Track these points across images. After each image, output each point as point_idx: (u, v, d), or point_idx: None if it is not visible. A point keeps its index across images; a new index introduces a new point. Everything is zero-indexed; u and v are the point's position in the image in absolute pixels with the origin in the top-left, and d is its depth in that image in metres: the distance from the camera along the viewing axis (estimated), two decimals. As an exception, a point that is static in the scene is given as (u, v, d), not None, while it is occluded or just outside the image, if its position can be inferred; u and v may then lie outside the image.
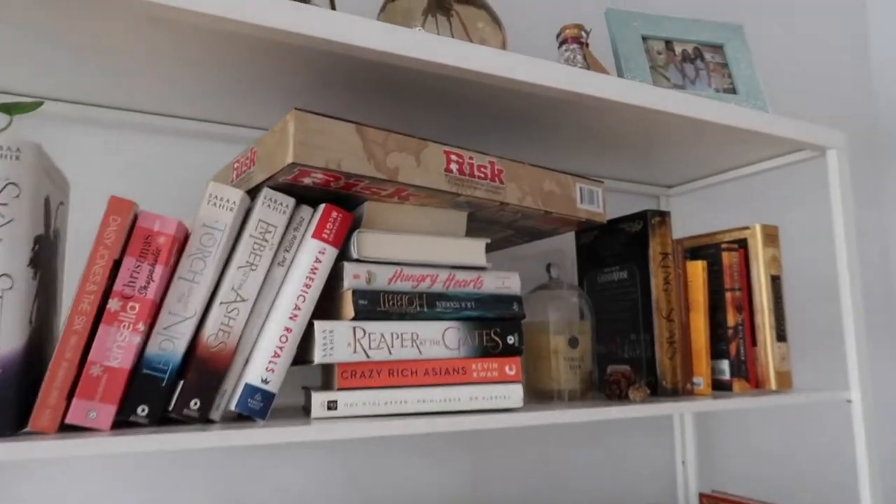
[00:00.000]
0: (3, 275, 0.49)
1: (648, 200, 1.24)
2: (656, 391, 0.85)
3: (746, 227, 0.94)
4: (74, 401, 0.51)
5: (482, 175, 0.67)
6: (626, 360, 0.89)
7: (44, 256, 0.54)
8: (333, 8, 0.69)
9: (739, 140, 0.93)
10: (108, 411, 0.52)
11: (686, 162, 1.05)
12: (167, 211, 0.81)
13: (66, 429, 0.53)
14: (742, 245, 0.94)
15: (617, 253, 0.92)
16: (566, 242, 1.11)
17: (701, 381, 0.87)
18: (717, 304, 0.92)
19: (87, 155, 0.80)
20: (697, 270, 0.89)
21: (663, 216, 0.87)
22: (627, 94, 0.75)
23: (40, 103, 0.52)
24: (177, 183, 0.84)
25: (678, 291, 0.87)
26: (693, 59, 0.95)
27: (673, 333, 0.85)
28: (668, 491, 1.20)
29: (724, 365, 0.91)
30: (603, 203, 0.77)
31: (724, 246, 0.92)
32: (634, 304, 0.88)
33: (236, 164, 0.67)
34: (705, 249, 0.94)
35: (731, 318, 0.91)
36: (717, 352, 0.92)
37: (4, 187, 0.49)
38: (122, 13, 0.56)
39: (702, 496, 1.14)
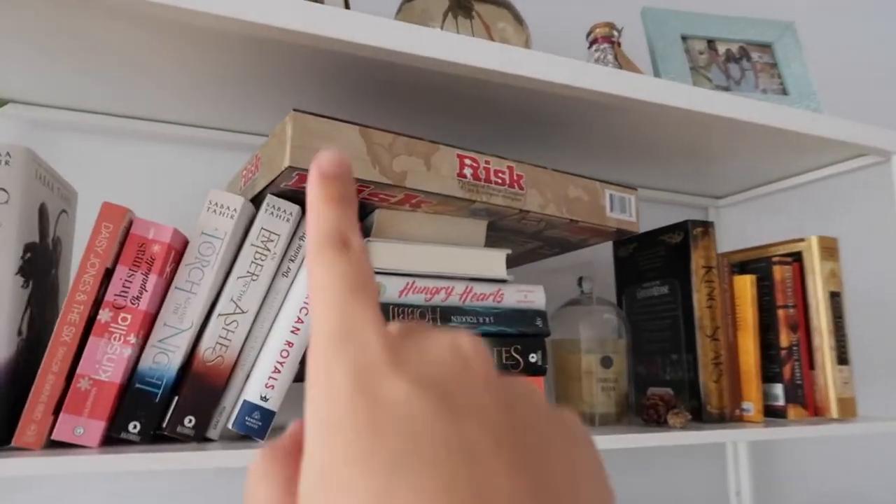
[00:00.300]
0: (-11, 283, 0.47)
1: (696, 212, 1.17)
2: (701, 416, 0.78)
3: (801, 240, 0.87)
4: (61, 416, 0.49)
5: (500, 181, 0.62)
6: (668, 381, 0.83)
7: (37, 265, 0.53)
8: (347, 8, 0.67)
9: (793, 145, 0.86)
10: (97, 427, 0.50)
11: (735, 170, 0.98)
12: (177, 222, 0.79)
13: (53, 445, 0.50)
14: (796, 259, 0.87)
15: (657, 266, 0.85)
16: (604, 255, 1.05)
17: (751, 406, 0.80)
18: (768, 323, 0.84)
19: (98, 165, 0.79)
20: (745, 286, 0.82)
21: (706, 227, 0.81)
22: (662, 94, 0.70)
23: (7, 101, 0.51)
24: (186, 193, 0.82)
25: (724, 308, 0.80)
26: (738, 59, 0.89)
27: (718, 354, 0.79)
28: (721, 525, 1.11)
29: (778, 389, 0.83)
30: (636, 211, 0.71)
31: (775, 259, 0.85)
32: (676, 322, 0.82)
33: (244, 172, 0.65)
34: (755, 263, 0.87)
35: (785, 339, 0.83)
36: (769, 375, 0.84)
37: (-7, 193, 0.48)
38: (125, 15, 0.54)
39: (758, 533, 1.05)
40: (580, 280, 0.80)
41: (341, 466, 0.16)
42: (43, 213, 0.54)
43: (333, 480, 0.16)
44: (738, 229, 1.20)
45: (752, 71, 0.89)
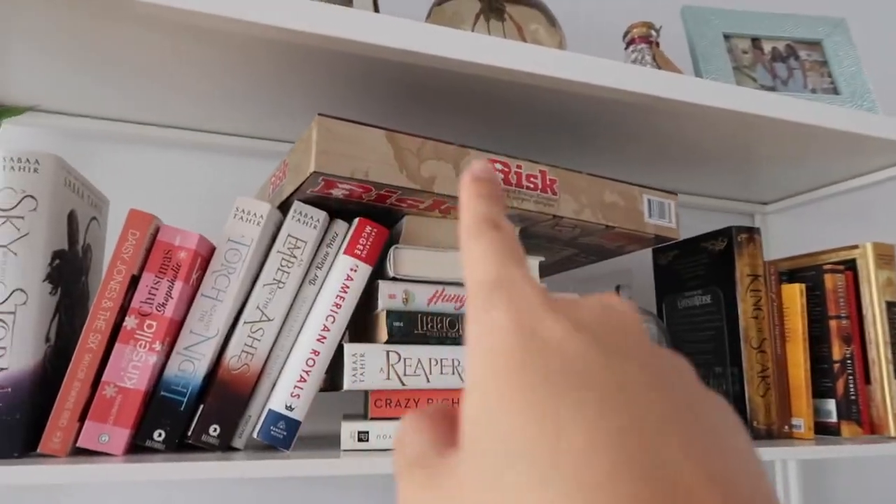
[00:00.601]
0: (17, 290, 0.48)
1: (741, 219, 1.13)
2: (747, 432, 0.74)
3: (855, 247, 0.82)
4: (86, 423, 0.49)
5: (532, 185, 0.60)
6: (711, 395, 0.79)
7: (66, 272, 0.53)
8: (377, 11, 0.66)
9: (846, 147, 0.81)
10: (122, 435, 0.50)
11: (783, 174, 0.94)
12: (208, 231, 0.80)
13: (78, 452, 0.50)
14: (850, 267, 0.82)
15: (699, 275, 0.82)
16: (643, 263, 1.01)
17: (801, 422, 0.76)
18: (819, 335, 0.80)
19: (129, 174, 0.80)
20: (794, 295, 0.78)
21: (751, 233, 0.77)
22: (704, 94, 0.67)
23: (28, 108, 0.51)
24: (217, 201, 0.82)
25: (771, 319, 0.76)
26: (785, 58, 0.85)
27: (765, 367, 0.75)
28: (770, 547, 1.06)
29: (830, 405, 0.78)
30: (676, 217, 0.69)
31: (827, 268, 0.81)
32: (719, 333, 0.78)
33: (273, 179, 0.64)
34: (804, 272, 0.83)
35: (837, 351, 0.79)
36: (820, 390, 0.79)
37: (21, 200, 0.48)
38: (151, 22, 0.54)
39: (811, 555, 1.00)
40: (617, 288, 0.77)
41: (504, 389, 0.17)
42: (72, 220, 0.54)
43: (497, 402, 0.17)
44: (786, 237, 1.16)
45: (801, 70, 0.85)
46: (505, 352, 0.17)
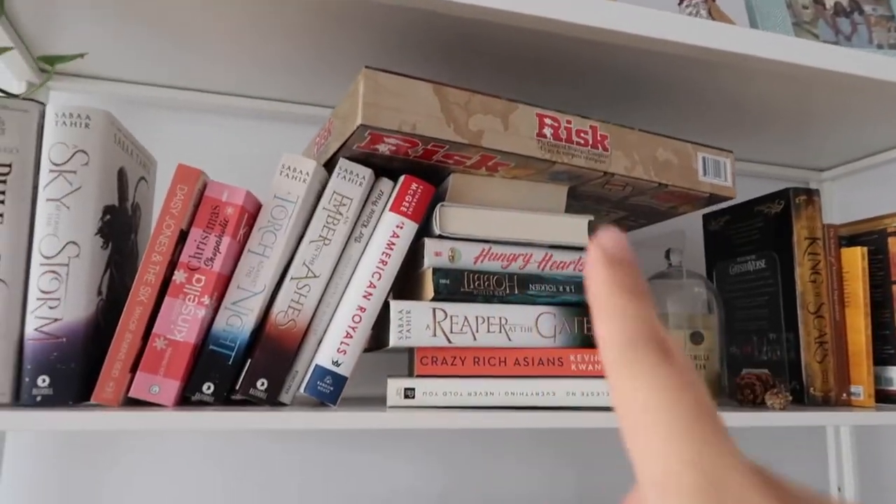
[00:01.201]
0: (70, 242, 0.48)
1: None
2: (803, 400, 0.72)
3: (921, 209, 0.78)
4: (138, 374, 0.49)
5: (582, 141, 0.59)
6: (765, 362, 0.76)
7: (117, 228, 0.53)
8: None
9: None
10: (172, 387, 0.50)
11: (842, 137, 0.89)
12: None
13: (131, 403, 0.51)
14: (915, 230, 0.78)
15: (753, 239, 0.79)
16: (692, 230, 0.98)
17: (861, 390, 0.73)
18: (881, 301, 0.76)
19: (178, 140, 0.80)
20: (855, 258, 0.74)
21: (810, 194, 0.74)
22: (762, 46, 0.64)
23: (77, 56, 0.51)
24: (262, 168, 0.82)
25: (829, 283, 0.73)
26: (849, 13, 0.81)
27: (823, 333, 0.72)
28: (822, 522, 1.03)
29: (892, 373, 0.75)
30: (732, 176, 0.66)
31: (891, 231, 0.77)
32: (774, 298, 0.75)
33: (317, 139, 0.64)
34: (866, 236, 0.79)
35: (901, 318, 0.75)
36: (882, 357, 0.76)
37: (73, 155, 0.49)
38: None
39: (865, 531, 0.97)
40: (668, 252, 0.75)
41: None
42: (122, 176, 0.54)
43: None
44: (844, 206, 1.11)
45: (865, 25, 0.81)
46: None
